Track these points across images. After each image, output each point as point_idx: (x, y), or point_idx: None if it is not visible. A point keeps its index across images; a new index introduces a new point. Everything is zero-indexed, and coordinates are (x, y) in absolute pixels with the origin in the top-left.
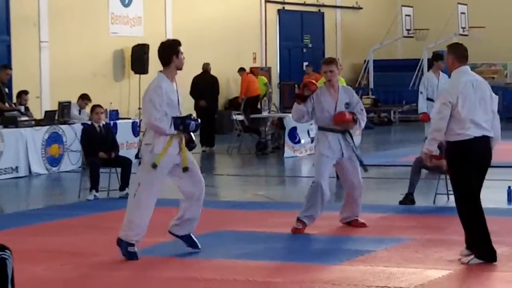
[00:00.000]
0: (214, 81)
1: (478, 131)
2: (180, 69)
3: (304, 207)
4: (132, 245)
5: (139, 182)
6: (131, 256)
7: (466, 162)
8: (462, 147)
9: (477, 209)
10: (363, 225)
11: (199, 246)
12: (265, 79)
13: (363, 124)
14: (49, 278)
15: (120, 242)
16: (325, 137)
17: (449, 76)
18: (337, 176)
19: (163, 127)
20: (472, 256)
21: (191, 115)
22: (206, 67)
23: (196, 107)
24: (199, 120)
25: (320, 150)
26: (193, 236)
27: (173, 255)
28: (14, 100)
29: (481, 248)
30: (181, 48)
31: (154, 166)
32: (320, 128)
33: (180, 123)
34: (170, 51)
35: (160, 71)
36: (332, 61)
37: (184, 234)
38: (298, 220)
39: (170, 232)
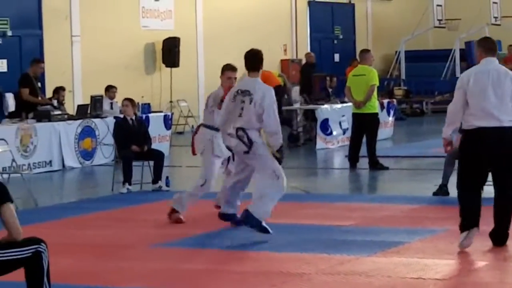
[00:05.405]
0: (310, 72)
1: (488, 121)
2: None
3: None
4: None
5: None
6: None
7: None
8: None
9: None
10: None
11: (270, 231)
12: (277, 72)
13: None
14: (82, 271)
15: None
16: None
17: None
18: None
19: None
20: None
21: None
22: (307, 58)
23: None
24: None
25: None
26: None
27: (209, 247)
28: (49, 95)
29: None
30: None
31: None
32: None
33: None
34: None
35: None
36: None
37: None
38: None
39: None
